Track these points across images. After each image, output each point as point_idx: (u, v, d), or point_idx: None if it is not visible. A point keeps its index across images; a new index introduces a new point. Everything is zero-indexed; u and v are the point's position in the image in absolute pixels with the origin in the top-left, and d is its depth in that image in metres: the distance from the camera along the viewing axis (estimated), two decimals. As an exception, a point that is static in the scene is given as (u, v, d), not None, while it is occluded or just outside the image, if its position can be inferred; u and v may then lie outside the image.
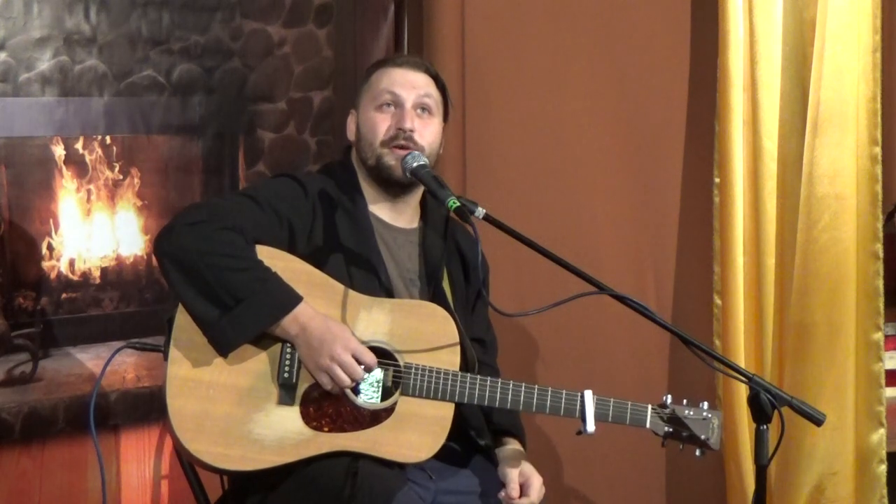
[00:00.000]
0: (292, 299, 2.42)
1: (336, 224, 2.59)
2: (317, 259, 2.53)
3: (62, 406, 3.03)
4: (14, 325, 2.97)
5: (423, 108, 2.63)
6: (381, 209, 2.66)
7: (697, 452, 2.59)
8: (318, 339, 2.41)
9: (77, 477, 3.05)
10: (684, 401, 2.60)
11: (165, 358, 2.44)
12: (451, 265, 2.70)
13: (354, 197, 2.63)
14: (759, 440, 2.31)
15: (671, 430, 2.57)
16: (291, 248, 2.53)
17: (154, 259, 2.48)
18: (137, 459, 3.15)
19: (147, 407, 3.12)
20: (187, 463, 2.61)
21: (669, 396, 2.59)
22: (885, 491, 3.32)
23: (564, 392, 2.54)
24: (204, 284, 2.40)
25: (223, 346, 2.41)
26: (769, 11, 3.34)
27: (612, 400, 2.56)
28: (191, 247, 2.42)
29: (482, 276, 2.55)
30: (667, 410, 2.57)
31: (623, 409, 2.56)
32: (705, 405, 2.59)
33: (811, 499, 3.33)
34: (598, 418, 2.54)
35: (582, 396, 2.54)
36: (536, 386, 2.53)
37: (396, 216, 2.67)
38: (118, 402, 3.10)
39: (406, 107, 2.60)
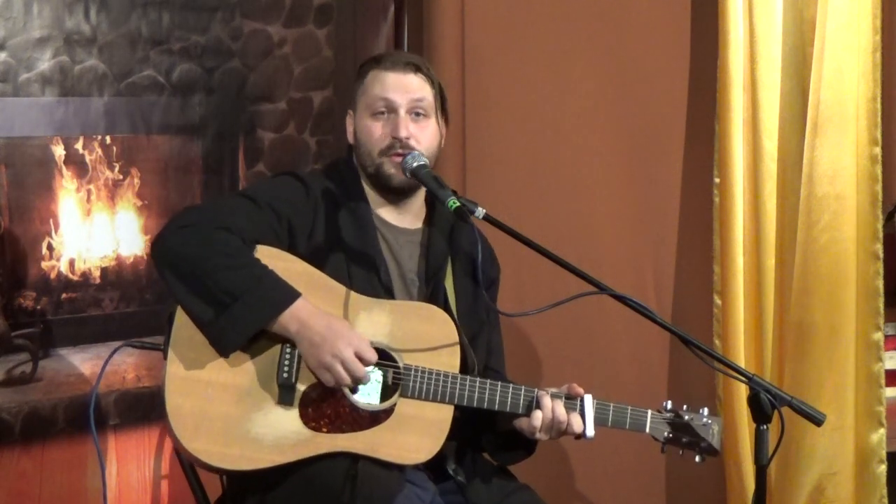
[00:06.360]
0: (289, 296, 2.41)
1: (338, 223, 2.58)
2: (317, 258, 2.53)
3: (62, 406, 3.03)
4: (14, 325, 2.97)
5: (418, 113, 2.62)
6: (383, 210, 2.66)
7: (697, 458, 2.59)
8: (321, 335, 2.40)
9: (77, 477, 3.05)
10: (684, 406, 2.60)
11: (165, 357, 2.44)
12: (457, 266, 2.69)
13: (357, 197, 2.63)
14: (759, 440, 2.31)
15: (671, 435, 2.57)
16: (292, 247, 2.53)
17: (152, 262, 2.48)
18: (137, 459, 3.15)
19: (147, 407, 3.12)
20: (187, 463, 2.61)
21: (669, 402, 2.59)
22: (885, 491, 3.32)
23: (565, 396, 2.54)
24: (199, 285, 2.39)
25: (222, 346, 2.41)
26: (769, 11, 3.34)
27: (611, 404, 2.56)
28: (185, 248, 2.42)
29: (488, 284, 2.56)
30: (667, 416, 2.57)
31: (623, 413, 2.56)
32: (705, 411, 2.58)
33: (811, 499, 3.33)
34: (598, 423, 2.54)
35: (582, 400, 2.54)
36: (536, 389, 2.53)
37: (399, 217, 2.67)
38: (118, 402, 3.10)
39: (400, 113, 2.60)
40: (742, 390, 3.28)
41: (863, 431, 3.32)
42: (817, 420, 2.35)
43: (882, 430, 3.31)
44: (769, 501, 3.36)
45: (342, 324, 2.44)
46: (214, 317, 2.39)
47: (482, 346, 2.69)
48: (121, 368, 3.11)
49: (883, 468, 3.32)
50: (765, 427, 2.31)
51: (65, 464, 3.04)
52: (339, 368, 2.40)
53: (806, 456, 3.32)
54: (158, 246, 2.45)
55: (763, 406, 2.31)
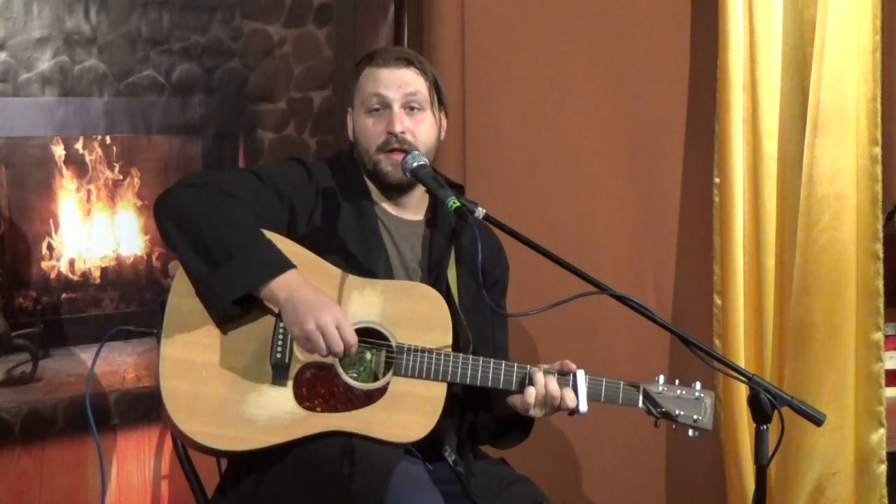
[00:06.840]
0: (284, 264, 2.42)
1: (339, 210, 2.60)
2: (316, 242, 2.54)
3: (62, 406, 3.03)
4: (14, 325, 2.97)
5: (412, 107, 2.63)
6: (385, 202, 2.67)
7: (690, 432, 2.59)
8: (307, 304, 2.38)
9: (77, 477, 3.05)
10: (676, 381, 2.60)
11: (158, 341, 2.44)
12: (460, 260, 2.69)
13: (358, 188, 2.64)
14: (759, 440, 2.31)
15: (664, 409, 2.57)
16: (291, 229, 2.54)
17: (155, 215, 2.48)
18: (137, 459, 3.15)
19: (147, 407, 3.12)
20: (186, 461, 2.61)
21: (662, 377, 2.59)
22: (885, 491, 3.32)
23: (558, 371, 2.54)
24: (198, 240, 2.41)
25: (212, 303, 2.41)
26: (769, 11, 3.34)
27: (604, 379, 2.56)
28: (191, 204, 2.44)
29: (492, 283, 2.55)
30: (659, 390, 2.57)
31: (615, 388, 2.57)
32: (698, 385, 2.59)
33: (811, 499, 3.33)
34: (591, 398, 2.55)
35: (574, 376, 2.54)
36: (529, 365, 2.54)
37: (401, 209, 2.68)
38: (118, 402, 3.10)
39: (394, 109, 2.61)
40: (742, 390, 3.28)
41: (863, 431, 3.32)
42: (817, 420, 2.35)
43: (882, 430, 3.31)
44: (769, 501, 3.36)
45: (332, 300, 2.44)
46: (208, 273, 2.40)
47: (488, 342, 2.69)
48: (121, 368, 3.11)
49: (883, 468, 3.32)
50: (765, 427, 2.31)
51: (65, 464, 3.04)
52: (319, 337, 2.38)
53: (806, 456, 3.32)
54: (164, 199, 2.47)
55: (763, 406, 2.31)
